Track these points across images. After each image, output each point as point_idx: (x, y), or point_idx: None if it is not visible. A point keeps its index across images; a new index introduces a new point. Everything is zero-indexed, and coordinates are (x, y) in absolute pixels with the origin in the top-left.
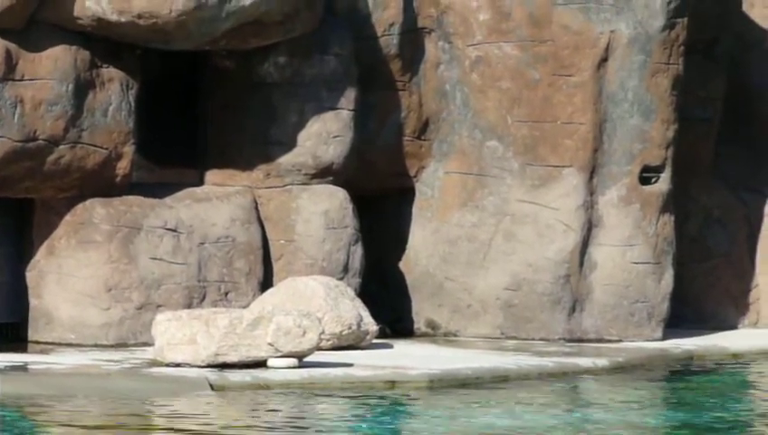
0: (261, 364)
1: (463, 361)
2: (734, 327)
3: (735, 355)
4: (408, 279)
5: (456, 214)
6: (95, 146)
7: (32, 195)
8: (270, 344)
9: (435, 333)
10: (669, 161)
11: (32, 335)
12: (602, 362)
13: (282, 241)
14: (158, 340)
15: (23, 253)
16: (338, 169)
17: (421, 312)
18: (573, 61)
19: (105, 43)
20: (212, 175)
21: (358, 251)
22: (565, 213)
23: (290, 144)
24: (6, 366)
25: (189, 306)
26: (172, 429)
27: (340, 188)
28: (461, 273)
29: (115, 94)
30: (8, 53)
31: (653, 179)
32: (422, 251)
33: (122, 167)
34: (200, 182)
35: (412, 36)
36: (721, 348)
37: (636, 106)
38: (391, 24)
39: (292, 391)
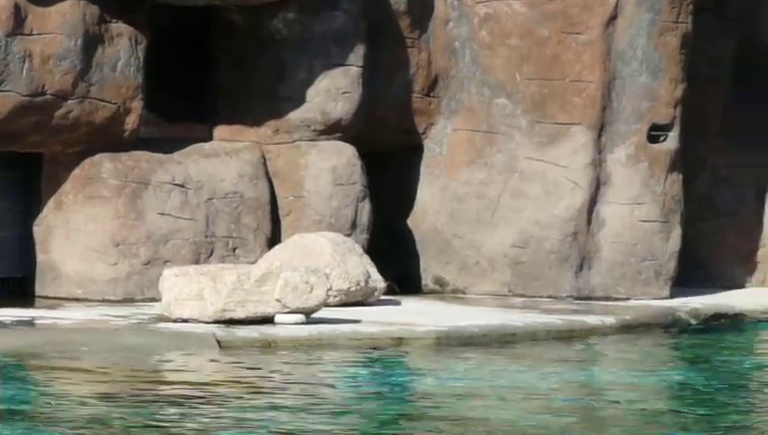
0: (268, 320)
1: (470, 318)
2: (741, 286)
3: (742, 314)
4: (416, 236)
5: (465, 171)
6: (103, 101)
7: (40, 149)
8: (277, 300)
9: (442, 290)
10: (677, 120)
11: (39, 290)
12: (610, 320)
13: (290, 197)
14: (165, 295)
15: (30, 207)
16: (346, 126)
17: (429, 269)
18: (582, 18)
19: None
20: (220, 131)
21: (366, 208)
22: (573, 171)
23: (298, 100)
24: (13, 321)
25: (197, 262)
26: (178, 383)
27: (348, 145)
28: (469, 230)
29: (124, 49)
30: (17, 7)
31: (661, 138)
32: (430, 208)
33: (131, 122)
34: (209, 138)
35: None
36: (728, 307)
37: (644, 64)
38: None
39: (300, 347)
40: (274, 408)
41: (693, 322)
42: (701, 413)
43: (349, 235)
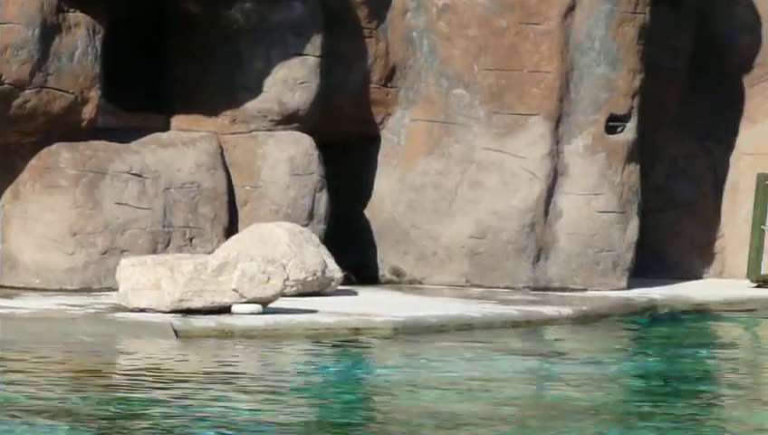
0: (225, 310)
1: (428, 308)
2: (698, 277)
3: (699, 305)
4: (374, 226)
5: (422, 161)
6: (61, 90)
7: None
8: (234, 290)
9: (400, 281)
10: (635, 111)
11: None
12: (567, 310)
13: (247, 187)
14: (122, 285)
15: None
16: (303, 116)
17: (386, 259)
18: (540, 9)
19: None
20: (178, 120)
21: (323, 198)
22: (531, 161)
23: (255, 90)
24: None
25: (154, 251)
26: (134, 373)
27: (305, 135)
28: (426, 220)
29: (81, 39)
30: None
31: (619, 129)
32: (387, 198)
33: (88, 111)
34: (166, 127)
35: None
36: (685, 297)
37: (602, 55)
38: None
39: (256, 336)
40: (231, 398)
41: (650, 313)
42: (652, 404)
43: (306, 225)
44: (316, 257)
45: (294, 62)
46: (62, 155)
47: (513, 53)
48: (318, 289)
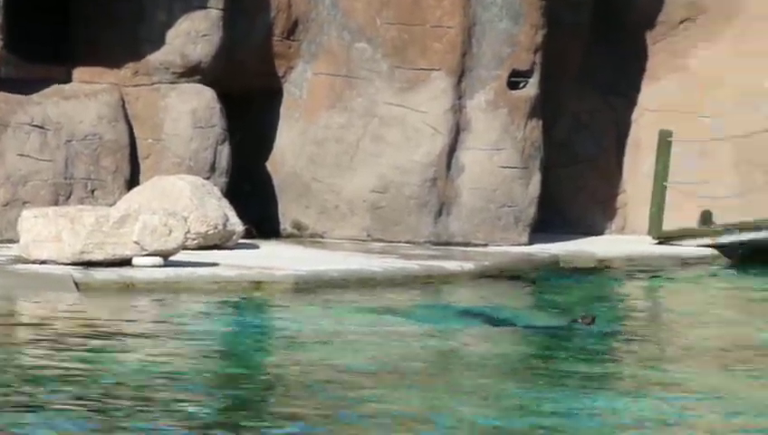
0: (126, 262)
1: (329, 262)
2: (600, 233)
3: (601, 260)
4: (275, 180)
5: (324, 115)
6: None
7: None
8: (136, 243)
9: (301, 235)
10: (538, 66)
11: None
12: (468, 265)
13: (149, 140)
14: (23, 236)
15: None
16: (206, 69)
17: (288, 213)
18: None
19: None
20: (80, 72)
21: (225, 151)
22: (433, 116)
23: (158, 42)
24: None
25: (56, 203)
26: (34, 325)
27: (207, 88)
28: (328, 174)
29: None
30: None
31: (521, 84)
32: (289, 152)
33: None
34: (68, 79)
35: None
36: (587, 253)
37: (505, 10)
38: None
39: (157, 289)
40: (131, 350)
41: (552, 268)
42: (550, 359)
43: (208, 178)
44: (218, 211)
45: (197, 15)
46: None
47: (415, 8)
48: (219, 242)
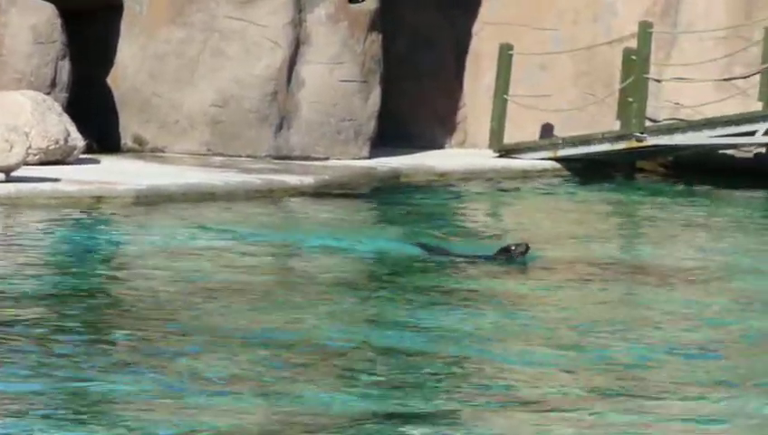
0: None
1: (170, 177)
2: (441, 147)
3: (442, 175)
4: (116, 95)
5: (165, 30)
6: None
7: None
8: None
9: (142, 149)
10: None
11: None
12: (308, 179)
13: None
14: None
15: None
16: None
17: (128, 127)
18: None
19: None
20: None
21: (66, 66)
22: (273, 30)
23: None
24: None
25: None
26: None
27: (48, 3)
28: (169, 89)
29: None
30: None
31: None
32: (130, 67)
33: None
34: None
35: None
36: (428, 167)
37: None
38: None
39: None
40: None
41: (392, 182)
42: (395, 274)
43: (48, 93)
44: (59, 126)
45: None
46: None
47: None
48: (60, 157)
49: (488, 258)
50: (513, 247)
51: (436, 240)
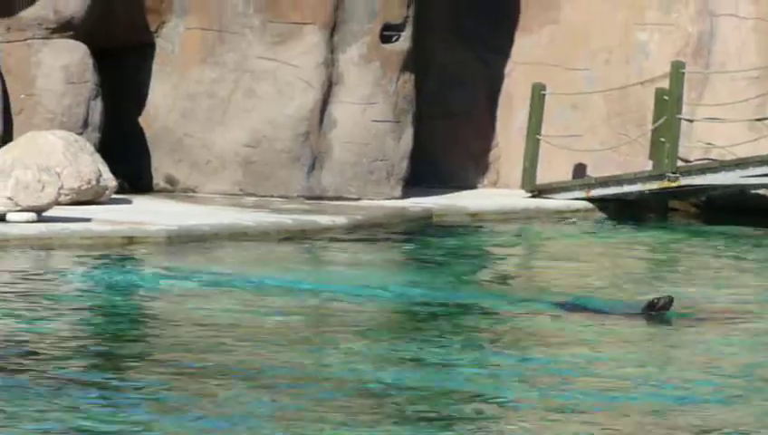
0: (0, 219)
1: (201, 217)
2: (473, 187)
3: (474, 215)
4: (148, 135)
5: (196, 70)
6: None
7: None
8: (9, 199)
9: (173, 189)
10: (410, 19)
11: None
12: (341, 219)
13: (22, 95)
14: None
15: None
16: (78, 24)
17: (160, 168)
18: None
19: None
20: None
21: (98, 106)
22: (305, 70)
23: None
24: None
25: None
26: None
27: (80, 43)
28: (200, 129)
29: None
30: None
31: (394, 38)
32: (162, 107)
33: None
34: None
35: None
36: (460, 207)
37: None
38: None
39: (31, 245)
40: (6, 308)
41: (425, 223)
42: (430, 313)
43: (80, 133)
44: (91, 166)
45: None
46: None
47: None
48: (93, 198)
49: (635, 314)
50: (657, 301)
51: (571, 297)
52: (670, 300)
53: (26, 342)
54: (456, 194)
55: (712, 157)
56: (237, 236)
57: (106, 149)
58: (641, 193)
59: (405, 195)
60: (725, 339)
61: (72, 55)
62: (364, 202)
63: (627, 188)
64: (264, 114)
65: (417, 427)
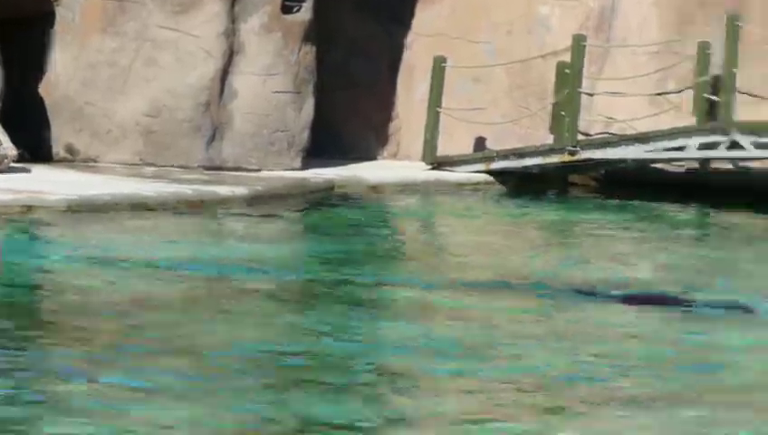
0: None
1: (101, 187)
2: (374, 158)
3: (374, 187)
4: (48, 104)
5: (97, 39)
6: None
7: None
8: None
9: (74, 159)
10: None
11: None
12: (241, 190)
13: None
14: None
15: None
16: None
17: (60, 137)
18: None
19: None
20: None
21: None
22: (206, 40)
23: None
24: None
25: None
26: None
27: None
28: (101, 98)
29: None
30: None
31: (295, 8)
32: (62, 76)
33: None
34: None
35: None
36: (360, 179)
37: None
38: None
39: None
40: None
41: (325, 194)
42: (330, 282)
43: None
44: None
45: None
46: None
47: None
48: None
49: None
50: None
51: (674, 291)
52: None
53: None
54: (357, 165)
55: (612, 131)
56: (137, 206)
57: (6, 118)
58: (542, 166)
59: (305, 166)
60: (616, 314)
61: None
62: (264, 173)
63: (527, 162)
64: (165, 84)
65: (310, 394)
